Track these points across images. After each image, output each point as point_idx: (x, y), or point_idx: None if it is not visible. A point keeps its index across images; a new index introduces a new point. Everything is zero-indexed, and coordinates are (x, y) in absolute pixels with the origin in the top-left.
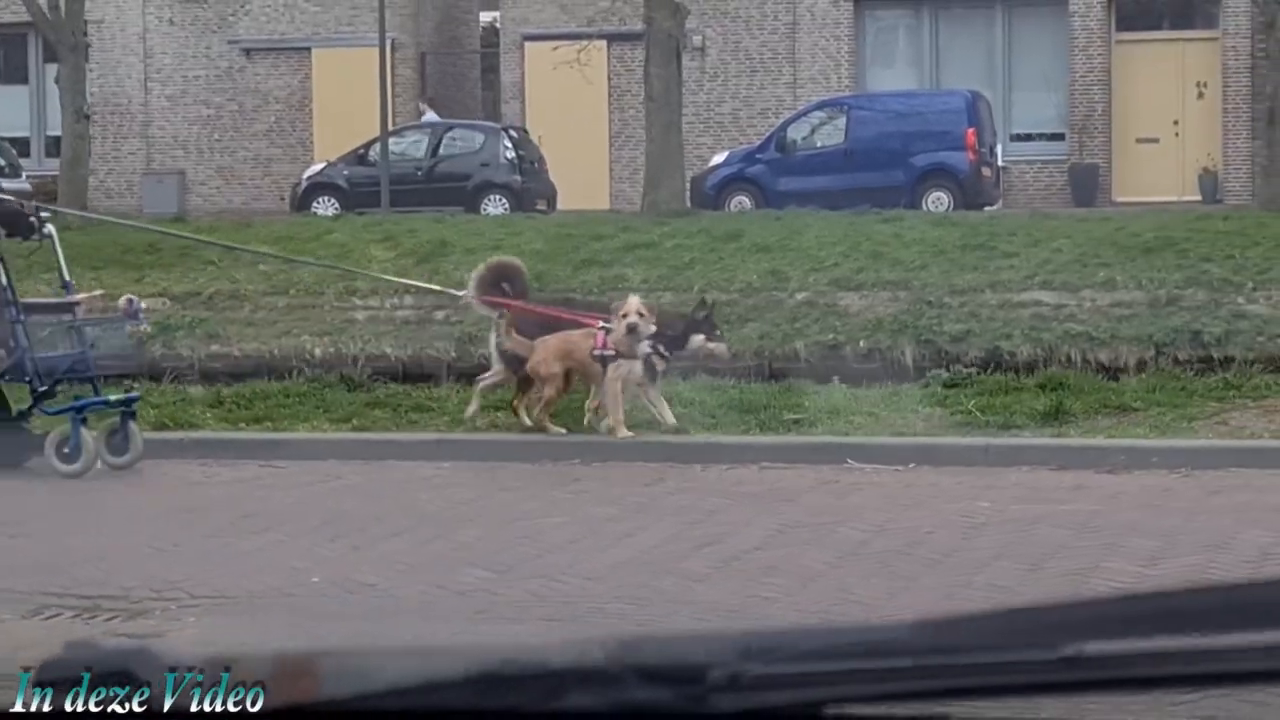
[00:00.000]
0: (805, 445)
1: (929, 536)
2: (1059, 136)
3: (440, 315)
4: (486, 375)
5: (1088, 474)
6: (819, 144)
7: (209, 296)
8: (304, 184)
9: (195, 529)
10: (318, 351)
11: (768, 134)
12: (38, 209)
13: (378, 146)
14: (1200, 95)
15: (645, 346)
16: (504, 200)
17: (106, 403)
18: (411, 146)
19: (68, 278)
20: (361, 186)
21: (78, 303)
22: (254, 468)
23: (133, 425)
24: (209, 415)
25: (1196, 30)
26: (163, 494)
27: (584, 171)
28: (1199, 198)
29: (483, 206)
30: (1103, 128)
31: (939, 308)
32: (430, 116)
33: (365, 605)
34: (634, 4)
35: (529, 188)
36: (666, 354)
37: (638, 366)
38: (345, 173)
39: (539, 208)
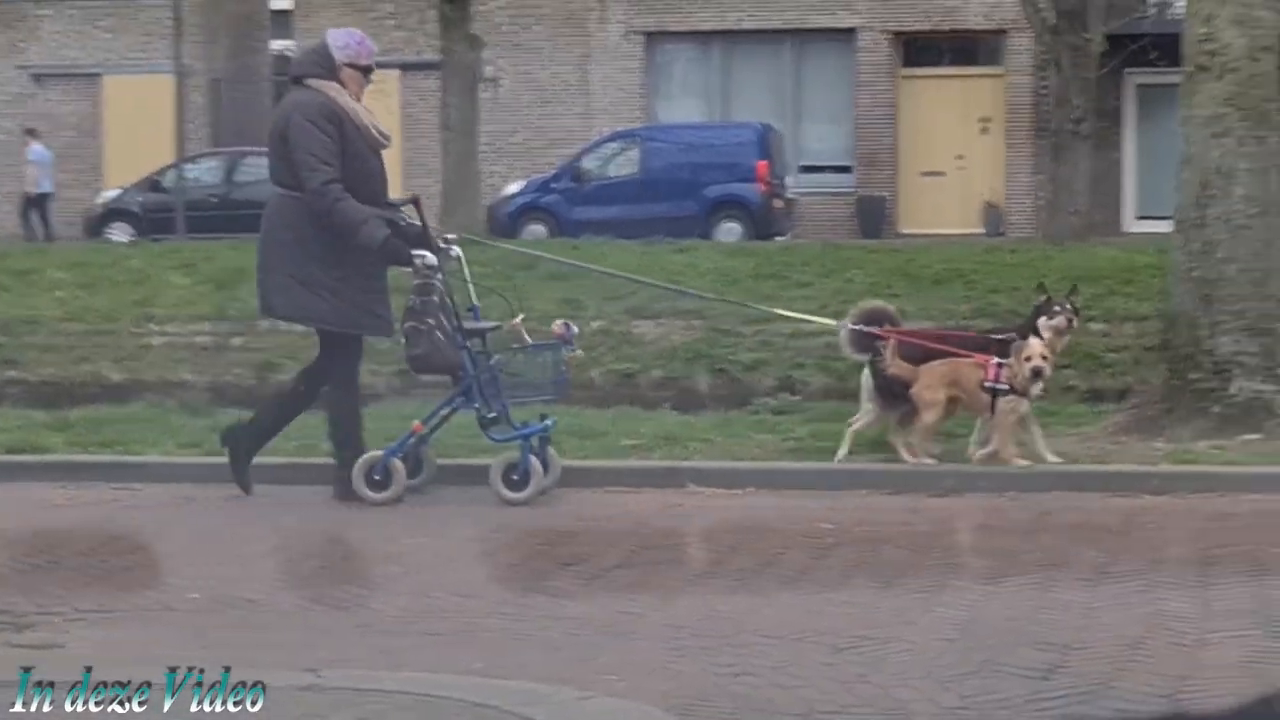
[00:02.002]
0: (646, 470)
1: (781, 556)
2: (847, 169)
3: (237, 342)
4: (858, 417)
5: (921, 497)
6: (613, 174)
7: (4, 323)
8: (98, 210)
9: (67, 548)
10: (115, 378)
11: (562, 164)
12: None
13: (172, 173)
14: (984, 130)
15: (1038, 389)
16: None
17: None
18: (207, 173)
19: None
20: (156, 213)
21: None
22: (111, 490)
23: (551, 451)
24: (58, 439)
25: (981, 66)
26: (25, 516)
27: None
28: (982, 230)
29: None
30: (889, 161)
31: (733, 336)
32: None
33: (249, 619)
34: (429, 34)
35: None
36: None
37: (1025, 405)
38: (140, 199)
39: None
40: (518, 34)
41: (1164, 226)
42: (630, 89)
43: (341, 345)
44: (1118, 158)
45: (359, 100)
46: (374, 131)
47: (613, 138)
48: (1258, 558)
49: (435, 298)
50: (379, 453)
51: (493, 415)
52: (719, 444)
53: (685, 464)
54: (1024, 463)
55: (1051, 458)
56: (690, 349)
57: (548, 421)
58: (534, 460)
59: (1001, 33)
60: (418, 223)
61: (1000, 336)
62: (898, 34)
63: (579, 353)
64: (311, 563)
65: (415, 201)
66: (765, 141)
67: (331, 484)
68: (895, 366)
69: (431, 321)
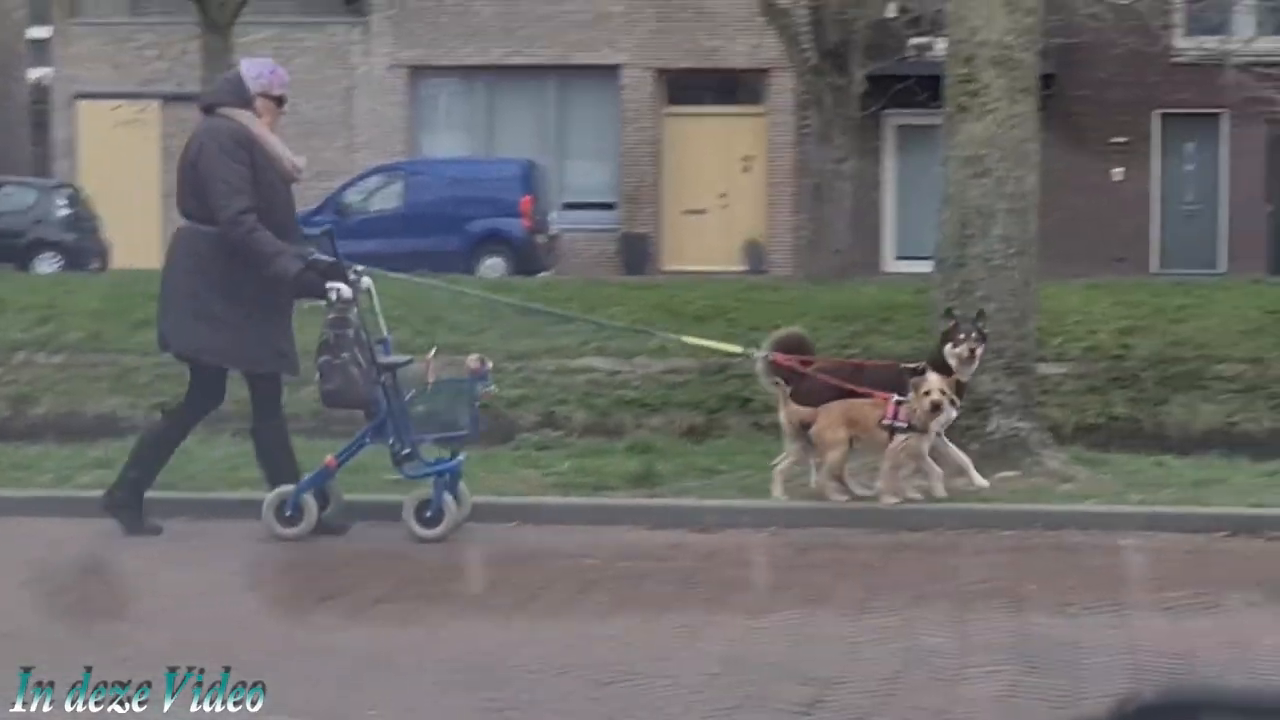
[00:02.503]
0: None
1: (544, 591)
2: (610, 205)
3: None
4: (781, 459)
5: (682, 533)
6: (376, 208)
7: None
8: None
9: None
10: None
11: (326, 197)
12: None
13: None
14: (746, 169)
15: (939, 424)
16: (57, 258)
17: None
18: None
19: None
20: None
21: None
22: None
23: (457, 490)
24: None
25: (743, 105)
26: None
27: (137, 230)
28: (745, 268)
29: (35, 264)
30: (652, 198)
31: (496, 372)
32: None
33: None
34: (190, 65)
35: (83, 245)
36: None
37: (925, 442)
38: None
39: (93, 266)
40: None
41: (923, 266)
42: (394, 123)
43: (213, 381)
44: (878, 198)
45: (272, 130)
46: (286, 162)
47: (376, 171)
48: (1015, 593)
49: (350, 331)
50: (290, 487)
51: (406, 451)
52: (483, 479)
53: (357, 498)
54: (894, 500)
55: (980, 482)
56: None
57: (460, 457)
58: (448, 497)
59: (764, 72)
60: (330, 256)
61: (913, 367)
62: (662, 71)
63: (494, 389)
64: (69, 596)
65: (329, 235)
66: (529, 177)
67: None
68: (792, 413)
69: (346, 356)
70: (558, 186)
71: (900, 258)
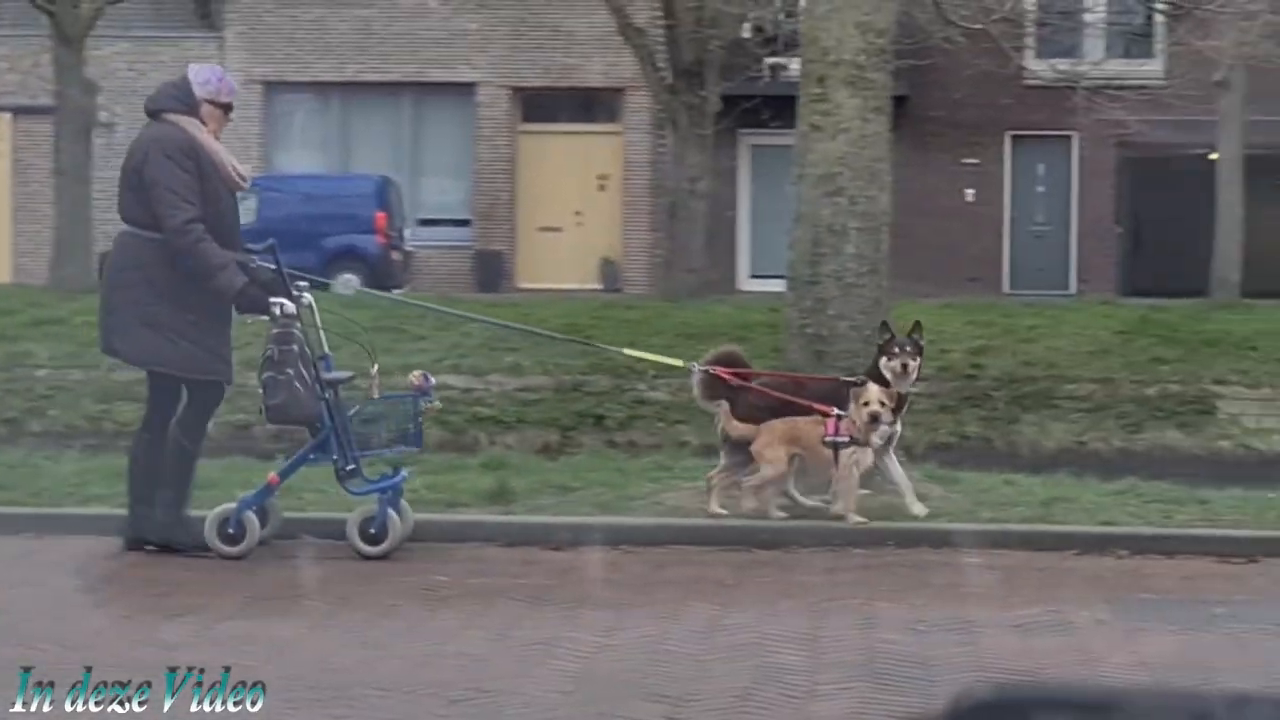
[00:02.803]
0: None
1: (395, 608)
2: (465, 222)
3: None
4: (717, 470)
5: (535, 550)
6: None
7: None
8: None
9: None
10: None
11: None
12: None
13: None
14: (602, 187)
15: (880, 436)
16: None
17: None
18: None
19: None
20: None
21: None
22: None
23: (400, 506)
24: None
25: (599, 124)
26: None
27: None
28: (600, 286)
29: None
30: (507, 216)
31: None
32: None
33: None
34: (44, 78)
35: None
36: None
37: (869, 455)
38: None
39: None
40: (134, 80)
41: (777, 285)
42: (248, 138)
43: (168, 389)
44: (733, 216)
45: (217, 138)
46: (230, 170)
47: None
48: (866, 611)
49: (295, 347)
50: (232, 505)
51: (350, 468)
52: (335, 495)
53: (299, 515)
54: (859, 519)
55: (918, 510)
56: None
57: (403, 474)
58: (392, 513)
59: (620, 91)
60: (273, 268)
61: (853, 380)
62: (517, 89)
63: (437, 404)
64: None
65: (272, 248)
66: (384, 194)
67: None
68: (733, 429)
69: (291, 371)
70: (413, 203)
71: (755, 276)
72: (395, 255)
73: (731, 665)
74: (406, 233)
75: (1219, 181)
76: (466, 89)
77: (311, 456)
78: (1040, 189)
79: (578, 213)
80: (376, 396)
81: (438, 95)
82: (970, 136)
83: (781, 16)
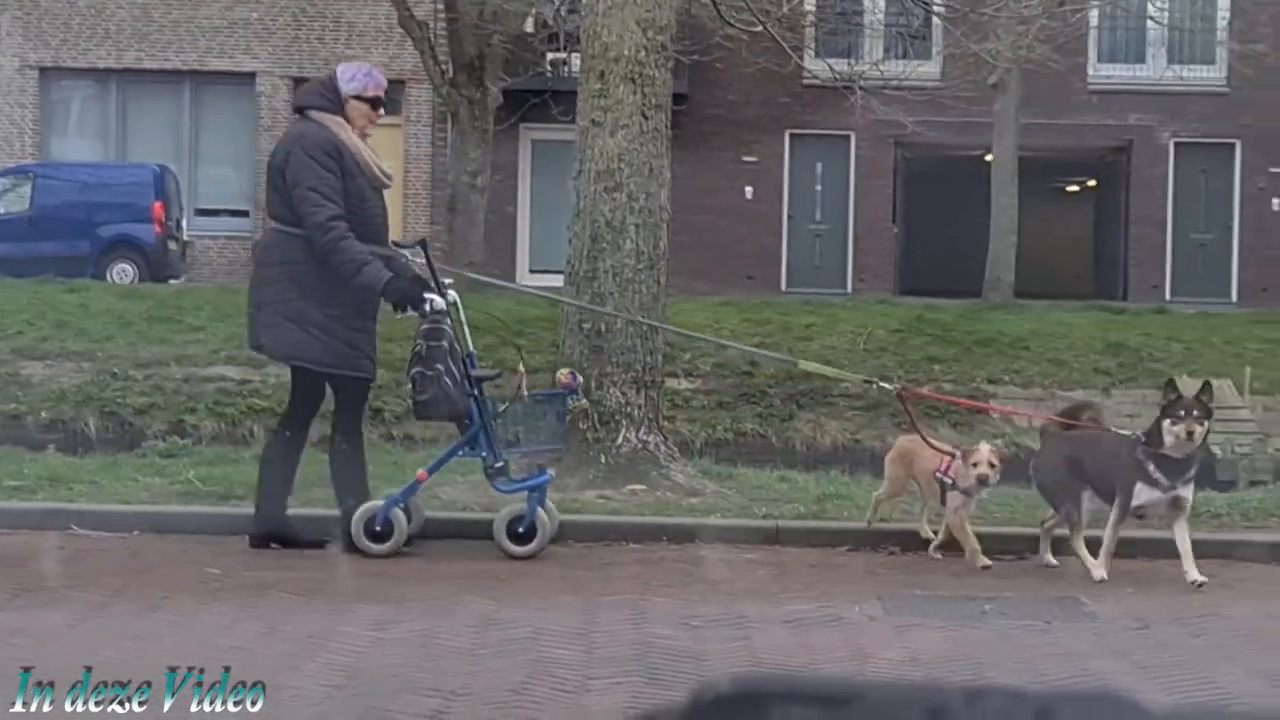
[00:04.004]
0: (27, 511)
1: (166, 601)
2: (243, 213)
3: None
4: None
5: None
6: (3, 211)
7: None
8: None
9: None
10: None
11: None
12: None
13: None
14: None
15: (984, 492)
16: None
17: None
18: None
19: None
20: None
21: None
22: None
23: (541, 509)
24: None
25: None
26: None
27: None
28: None
29: None
30: None
31: (124, 380)
32: None
33: None
34: None
35: None
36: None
37: (972, 503)
38: None
39: None
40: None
41: (556, 279)
42: (23, 124)
43: (312, 385)
44: (513, 211)
45: (365, 135)
46: (375, 169)
47: (3, 174)
48: (639, 606)
49: (444, 343)
50: (380, 503)
51: (500, 465)
52: (106, 486)
53: (69, 506)
54: (985, 561)
55: (1192, 577)
56: (80, 391)
57: (549, 473)
58: (540, 512)
59: (401, 83)
60: (422, 264)
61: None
62: (298, 80)
63: (584, 402)
64: None
65: (423, 244)
66: (161, 183)
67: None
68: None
69: (440, 367)
70: (191, 193)
71: (534, 271)
72: (172, 245)
73: (505, 660)
74: (184, 223)
75: (993, 183)
76: (247, 78)
77: (461, 453)
78: (818, 188)
79: None
80: (526, 395)
81: (218, 84)
82: (749, 135)
83: (563, 12)
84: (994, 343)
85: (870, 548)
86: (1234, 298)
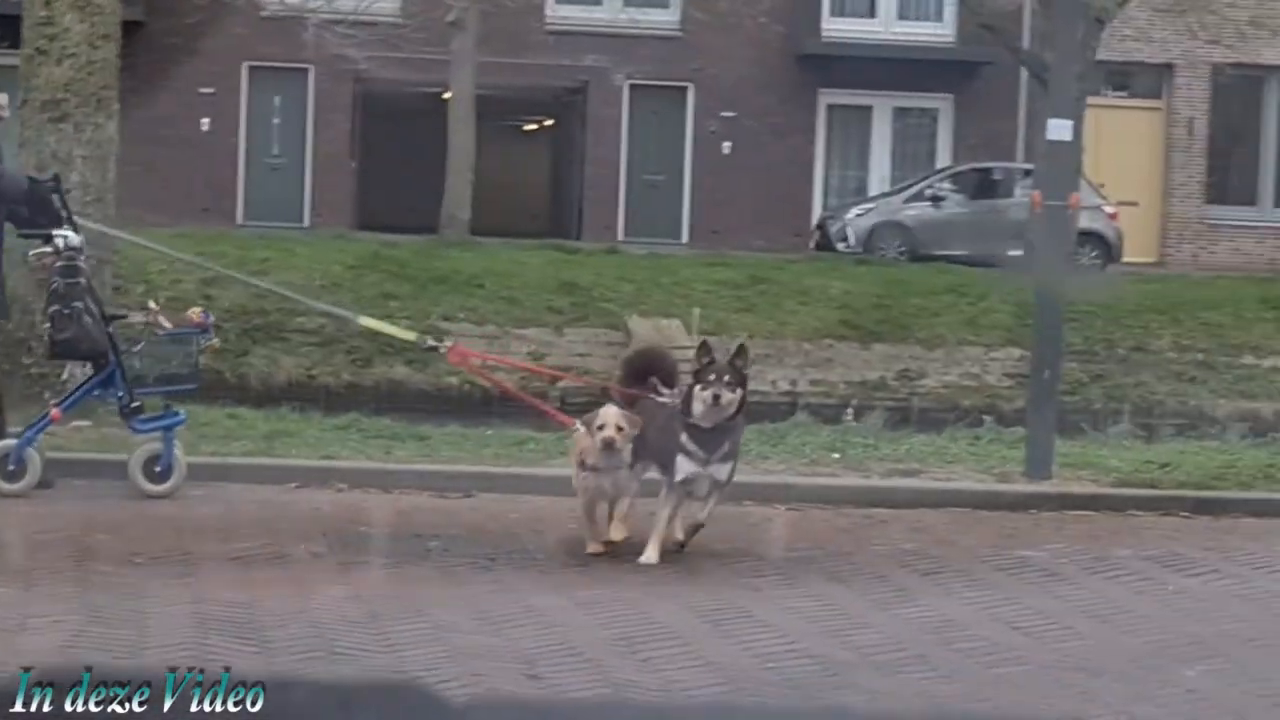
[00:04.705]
0: None
1: None
2: None
3: None
4: None
5: None
6: None
7: None
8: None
9: None
10: None
11: None
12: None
13: None
14: None
15: (622, 460)
16: None
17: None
18: None
19: None
20: None
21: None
22: None
23: (177, 448)
24: None
25: None
26: None
27: None
28: None
29: None
30: None
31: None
32: None
33: None
34: None
35: None
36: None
37: (605, 481)
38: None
39: None
40: None
41: None
42: None
43: None
44: None
45: None
46: None
47: None
48: (82, 544)
49: (81, 280)
50: (12, 442)
51: (136, 404)
52: None
53: None
54: (597, 548)
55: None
56: None
57: (182, 414)
58: (177, 452)
59: None
60: (55, 202)
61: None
62: None
63: (216, 342)
64: None
65: (55, 180)
66: None
67: None
68: None
69: (79, 305)
70: None
71: None
72: None
73: None
74: None
75: (450, 120)
76: None
77: (96, 392)
78: (276, 121)
79: None
80: (162, 333)
81: None
82: (207, 65)
83: None
84: (449, 280)
85: (318, 484)
86: (685, 239)
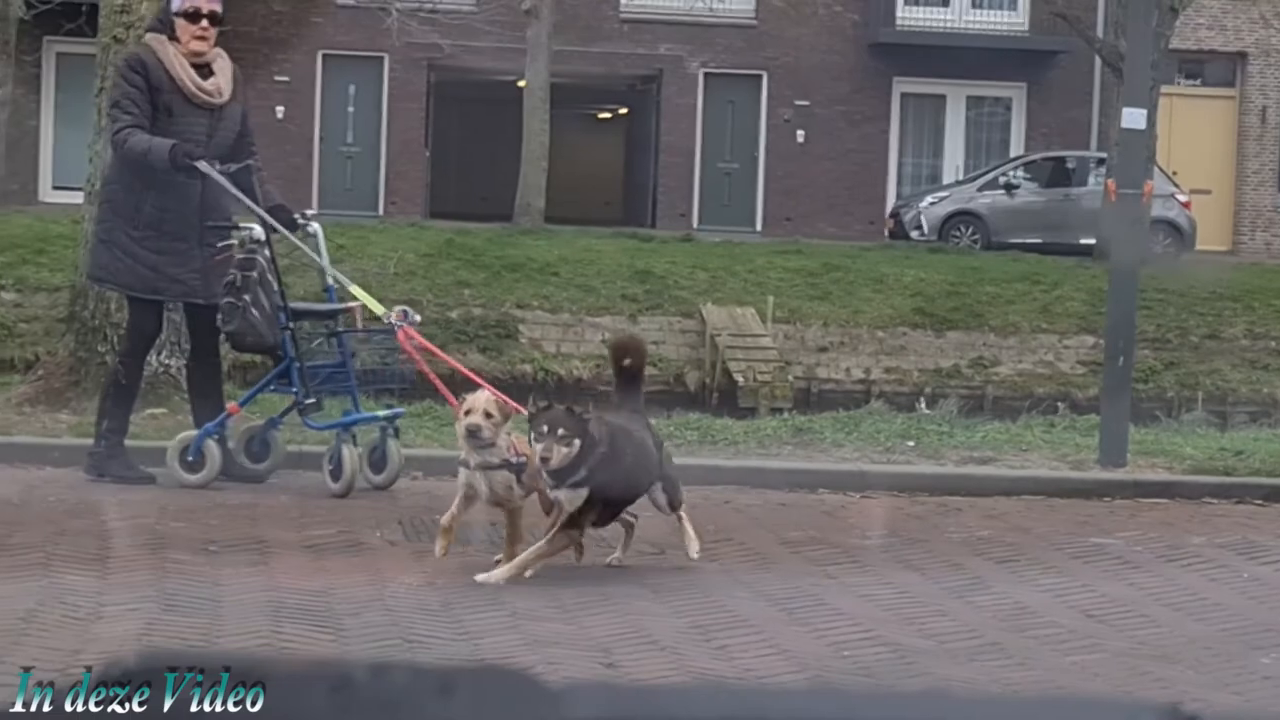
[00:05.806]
0: None
1: None
2: None
3: None
4: None
5: None
6: None
7: None
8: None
9: None
10: None
11: None
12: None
13: None
14: None
15: (494, 455)
16: None
17: (374, 418)
18: None
19: (331, 282)
20: None
21: (342, 310)
22: None
23: (392, 443)
24: None
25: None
26: None
27: None
28: None
29: None
30: None
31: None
32: None
33: None
34: None
35: None
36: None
37: (479, 478)
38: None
39: None
40: None
41: (78, 197)
42: None
43: (140, 311)
44: (36, 125)
45: (195, 53)
46: (191, 85)
47: None
48: (159, 531)
49: (255, 273)
50: (193, 433)
51: (311, 401)
52: None
53: None
54: (441, 550)
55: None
56: None
57: (398, 409)
58: (346, 450)
59: None
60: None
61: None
62: None
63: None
64: None
65: (248, 168)
66: None
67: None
68: None
69: (248, 298)
70: None
71: (57, 187)
72: None
73: (17, 586)
74: None
75: (526, 109)
76: None
77: (271, 387)
78: (351, 109)
79: None
80: (359, 328)
81: None
82: (282, 54)
83: None
84: (523, 268)
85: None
86: (758, 227)
